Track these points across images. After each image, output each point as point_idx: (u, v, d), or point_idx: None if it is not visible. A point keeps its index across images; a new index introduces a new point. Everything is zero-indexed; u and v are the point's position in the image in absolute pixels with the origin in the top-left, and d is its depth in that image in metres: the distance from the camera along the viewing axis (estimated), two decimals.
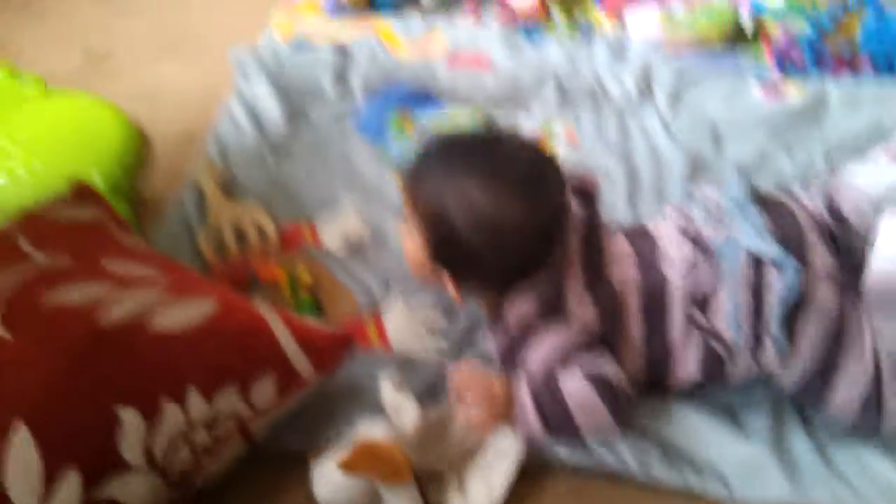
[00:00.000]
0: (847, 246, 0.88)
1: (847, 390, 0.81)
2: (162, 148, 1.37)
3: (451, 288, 0.86)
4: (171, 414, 0.75)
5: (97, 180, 1.11)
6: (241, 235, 1.14)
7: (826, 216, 0.90)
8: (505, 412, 0.83)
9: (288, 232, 1.14)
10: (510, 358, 0.87)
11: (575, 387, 0.81)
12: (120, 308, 0.79)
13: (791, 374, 0.83)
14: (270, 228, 1.14)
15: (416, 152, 0.86)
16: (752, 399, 0.88)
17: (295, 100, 1.39)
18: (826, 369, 0.81)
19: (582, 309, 0.84)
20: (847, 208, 0.89)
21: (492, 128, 0.89)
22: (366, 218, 1.14)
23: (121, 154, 1.26)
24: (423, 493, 0.81)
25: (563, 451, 0.85)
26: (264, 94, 1.38)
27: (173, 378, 0.76)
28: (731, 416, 0.87)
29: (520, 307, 0.85)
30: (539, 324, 0.84)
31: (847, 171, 0.94)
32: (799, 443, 0.84)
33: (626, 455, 0.84)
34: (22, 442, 0.68)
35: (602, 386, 0.81)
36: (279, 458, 0.86)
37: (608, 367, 0.82)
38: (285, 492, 0.85)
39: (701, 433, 0.85)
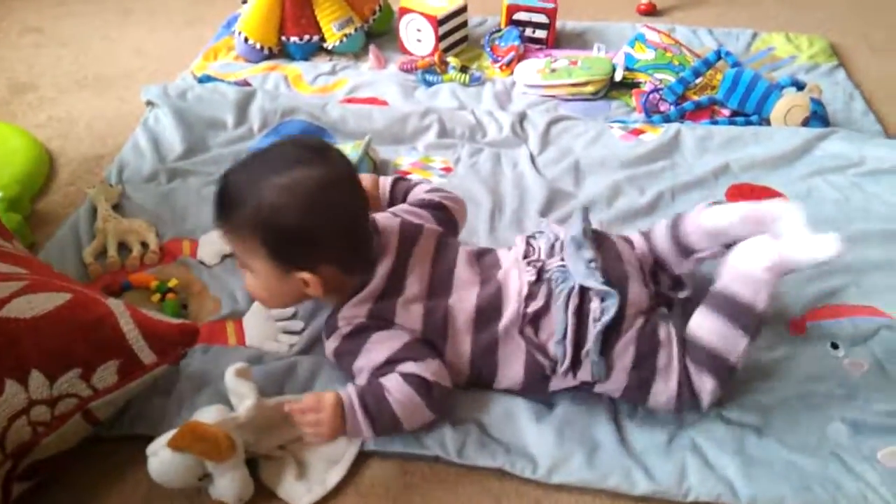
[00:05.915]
0: (665, 277, 1.05)
1: (663, 394, 0.92)
2: (70, 170, 1.46)
3: (309, 287, 0.94)
4: (13, 392, 0.81)
5: None
6: (126, 248, 1.21)
7: (649, 254, 1.05)
8: (336, 427, 0.91)
9: (169, 246, 1.22)
10: (341, 356, 0.96)
11: (395, 387, 0.90)
12: None
13: (612, 387, 0.93)
14: (153, 243, 1.21)
15: (221, 183, 0.93)
16: (565, 393, 0.97)
17: (197, 131, 1.49)
18: (642, 383, 0.92)
19: (409, 322, 0.94)
20: (693, 238, 1.03)
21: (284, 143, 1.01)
22: None
23: (23, 174, 1.37)
24: (262, 474, 0.89)
25: (394, 439, 0.92)
26: (168, 125, 1.48)
27: (18, 359, 0.83)
28: (546, 405, 0.96)
29: (353, 310, 0.94)
30: (368, 332, 0.93)
31: (694, 211, 1.06)
32: (602, 431, 0.93)
33: (447, 441, 0.91)
34: None
35: (419, 383, 0.90)
36: (128, 442, 0.92)
37: (425, 367, 0.91)
38: (128, 472, 0.90)
39: (515, 421, 0.93)
